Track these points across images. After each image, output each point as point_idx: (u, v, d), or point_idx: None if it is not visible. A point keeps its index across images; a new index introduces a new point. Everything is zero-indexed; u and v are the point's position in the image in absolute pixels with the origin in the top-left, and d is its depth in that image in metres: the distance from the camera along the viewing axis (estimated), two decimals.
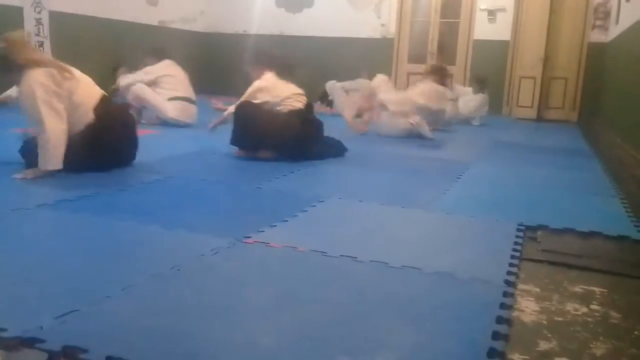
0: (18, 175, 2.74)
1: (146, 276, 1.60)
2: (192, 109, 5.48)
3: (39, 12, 7.00)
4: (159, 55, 5.63)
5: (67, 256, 1.76)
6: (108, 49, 7.09)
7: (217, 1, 9.59)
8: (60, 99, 2.79)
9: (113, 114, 3.09)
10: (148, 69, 5.47)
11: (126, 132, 3.15)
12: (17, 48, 2.79)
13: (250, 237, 2.01)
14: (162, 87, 5.39)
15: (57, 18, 7.15)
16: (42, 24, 7.06)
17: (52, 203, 2.33)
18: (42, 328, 1.24)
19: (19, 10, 6.80)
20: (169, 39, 8.83)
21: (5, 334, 1.22)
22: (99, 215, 2.22)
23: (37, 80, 2.73)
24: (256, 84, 3.80)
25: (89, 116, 2.91)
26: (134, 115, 3.49)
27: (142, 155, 3.34)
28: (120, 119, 3.16)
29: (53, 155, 2.75)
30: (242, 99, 3.76)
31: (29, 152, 2.88)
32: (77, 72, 2.98)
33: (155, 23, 8.86)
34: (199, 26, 9.61)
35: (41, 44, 7.08)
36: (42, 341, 1.20)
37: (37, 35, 7.02)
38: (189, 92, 5.52)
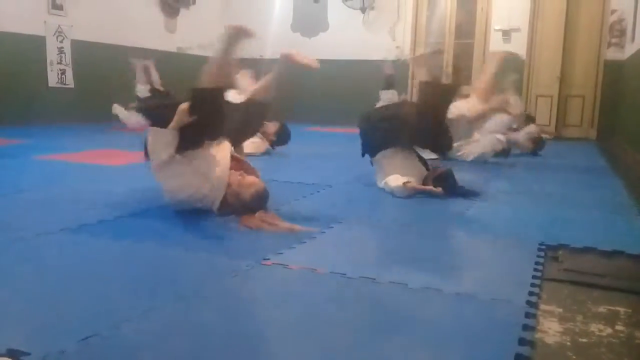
0: None
1: (166, 300, 1.61)
2: None
3: (61, 42, 7.20)
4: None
5: (88, 280, 1.78)
6: (128, 76, 7.23)
7: None
8: None
9: None
10: None
11: None
12: None
13: (269, 259, 2.01)
14: None
15: (79, 47, 7.33)
16: (64, 53, 7.25)
17: (74, 227, 2.37)
18: (64, 352, 1.26)
19: (42, 40, 7.00)
20: (187, 65, 8.98)
21: (28, 358, 1.23)
22: (119, 239, 2.24)
23: None
24: None
25: None
26: None
27: None
28: None
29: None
30: None
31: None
32: None
33: (174, 50, 9.03)
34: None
35: (63, 72, 7.26)
36: None
37: (59, 63, 7.21)
38: None
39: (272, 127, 5.02)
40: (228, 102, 2.93)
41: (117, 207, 2.76)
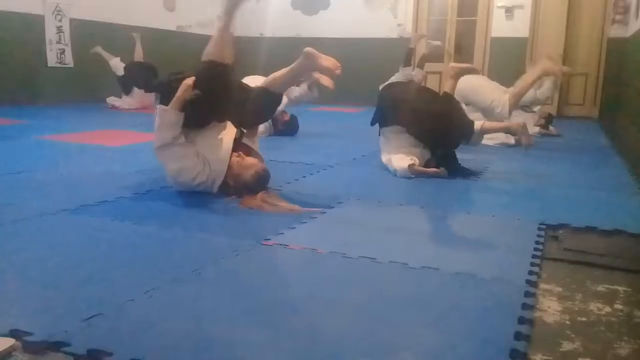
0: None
1: (168, 280, 1.62)
2: None
3: (60, 20, 7.13)
4: None
5: (89, 261, 1.78)
6: (127, 55, 7.19)
7: None
8: None
9: None
10: None
11: None
12: None
13: (269, 239, 2.02)
14: None
15: (78, 25, 7.27)
16: (63, 32, 7.19)
17: (74, 208, 2.37)
18: (67, 332, 1.27)
19: (40, 18, 6.94)
20: (186, 44, 8.92)
21: (31, 338, 1.24)
22: (120, 220, 2.25)
23: None
24: None
25: None
26: None
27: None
28: None
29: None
30: None
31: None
32: None
33: (173, 28, 8.96)
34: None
35: (62, 51, 7.21)
36: (67, 345, 1.22)
37: (59, 42, 7.15)
38: None
39: (283, 116, 4.99)
40: (240, 85, 2.88)
41: (118, 188, 2.76)
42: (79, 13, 7.28)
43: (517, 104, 4.99)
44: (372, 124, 3.60)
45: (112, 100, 7.24)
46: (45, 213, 2.28)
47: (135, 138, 4.59)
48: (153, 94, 6.83)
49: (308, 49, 2.82)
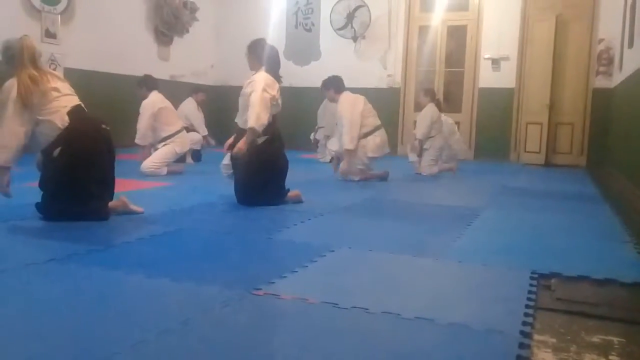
0: None
1: (155, 332, 1.58)
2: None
3: (55, 69, 7.21)
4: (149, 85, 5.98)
5: (77, 312, 1.75)
6: (122, 104, 7.25)
7: (227, 55, 9.83)
8: (31, 106, 2.99)
9: (87, 122, 3.21)
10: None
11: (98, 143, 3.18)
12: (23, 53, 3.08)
13: (260, 289, 1.99)
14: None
15: (72, 74, 7.34)
16: None
17: (61, 257, 2.34)
18: None
19: None
20: (180, 92, 9.03)
21: None
22: (108, 269, 2.21)
23: (20, 82, 2.98)
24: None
25: (64, 120, 3.06)
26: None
27: (152, 207, 3.36)
28: (94, 128, 3.23)
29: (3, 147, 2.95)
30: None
31: None
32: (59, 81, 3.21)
33: (167, 77, 9.09)
34: (209, 80, 9.83)
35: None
36: None
37: None
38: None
39: None
40: None
41: (107, 236, 2.73)
42: (73, 62, 7.39)
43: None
44: None
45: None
46: (33, 263, 2.24)
47: (128, 185, 4.57)
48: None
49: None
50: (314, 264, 2.37)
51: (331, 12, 9.34)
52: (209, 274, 2.20)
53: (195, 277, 2.14)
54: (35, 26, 7.05)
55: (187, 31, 9.27)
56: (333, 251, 2.60)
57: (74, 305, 1.81)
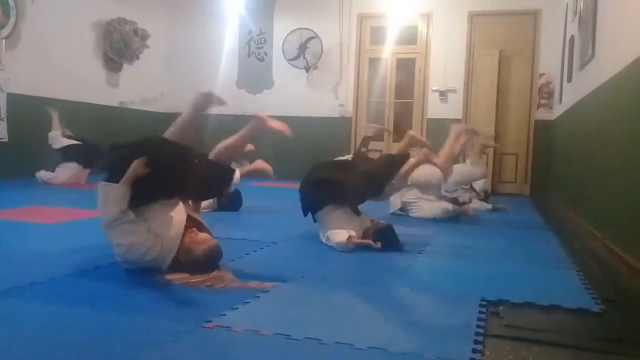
0: None
1: None
2: None
3: None
4: None
5: (18, 351, 1.66)
6: (68, 130, 7.05)
7: (177, 82, 9.73)
8: None
9: None
10: None
11: None
12: None
13: (211, 321, 1.95)
14: None
15: (16, 100, 7.12)
16: (0, 106, 7.01)
17: (1, 291, 2.22)
18: None
19: None
20: (129, 120, 8.88)
21: None
22: (52, 303, 2.12)
23: None
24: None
25: None
26: None
27: (95, 239, 3.25)
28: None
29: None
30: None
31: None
32: None
33: (116, 104, 8.92)
34: (159, 107, 9.70)
35: None
36: None
37: None
38: None
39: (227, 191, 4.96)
40: (190, 161, 2.88)
41: (50, 268, 2.62)
42: (17, 88, 7.15)
43: (450, 170, 5.28)
44: (305, 214, 3.69)
45: (43, 175, 6.87)
46: None
47: (71, 215, 4.42)
48: (87, 169, 6.78)
49: (259, 112, 3.06)
50: (265, 295, 2.34)
51: (284, 42, 9.44)
52: (157, 307, 2.13)
53: (143, 309, 2.07)
54: None
55: (138, 58, 9.15)
56: (286, 281, 2.58)
57: (15, 343, 1.72)
